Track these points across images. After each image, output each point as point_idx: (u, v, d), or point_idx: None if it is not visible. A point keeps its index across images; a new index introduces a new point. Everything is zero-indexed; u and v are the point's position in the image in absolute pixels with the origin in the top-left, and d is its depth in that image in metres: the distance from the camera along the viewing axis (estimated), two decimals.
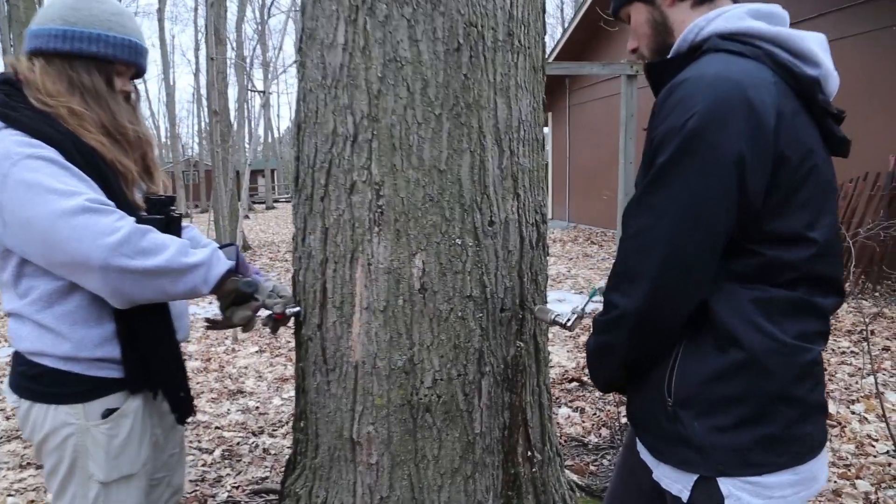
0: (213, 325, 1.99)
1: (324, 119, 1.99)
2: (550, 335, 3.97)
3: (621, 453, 1.81)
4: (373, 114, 1.89)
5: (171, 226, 1.88)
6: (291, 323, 2.17)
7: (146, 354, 1.79)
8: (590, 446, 4.06)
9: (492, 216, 1.97)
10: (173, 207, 1.92)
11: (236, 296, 1.87)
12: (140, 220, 1.70)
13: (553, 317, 1.95)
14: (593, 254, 11.20)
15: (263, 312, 2.04)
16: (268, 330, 2.09)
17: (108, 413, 1.76)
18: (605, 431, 4.27)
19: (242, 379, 5.98)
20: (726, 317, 1.29)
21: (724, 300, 1.30)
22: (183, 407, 1.90)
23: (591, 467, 3.75)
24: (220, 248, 1.91)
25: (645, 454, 1.50)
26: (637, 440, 1.53)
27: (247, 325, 1.93)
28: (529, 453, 2.17)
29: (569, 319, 1.92)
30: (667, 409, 1.37)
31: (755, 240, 1.28)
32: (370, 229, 1.93)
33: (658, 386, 1.39)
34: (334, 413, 2.06)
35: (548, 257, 2.22)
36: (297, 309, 2.13)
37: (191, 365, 6.48)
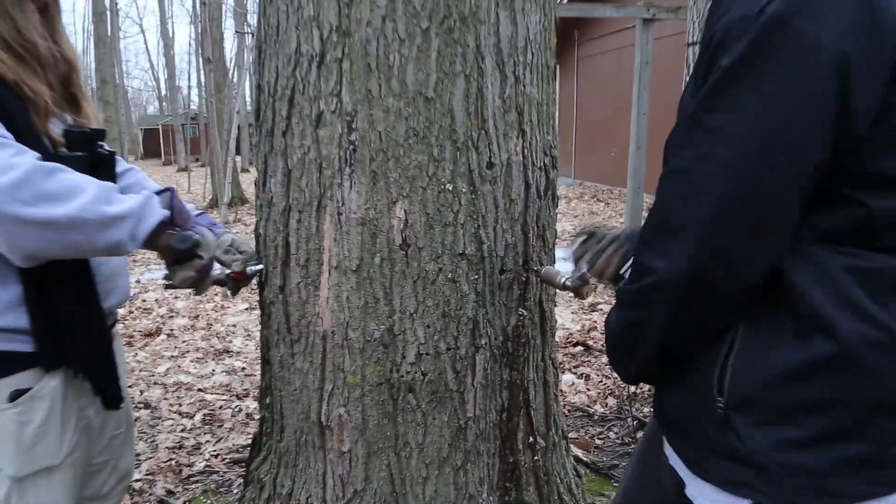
0: (168, 282, 1.64)
1: (286, 36, 1.61)
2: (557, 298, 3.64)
3: (639, 449, 1.47)
4: (343, 26, 1.51)
5: (101, 167, 1.52)
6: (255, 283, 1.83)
7: (62, 324, 1.45)
8: (595, 417, 3.77)
9: (491, 157, 1.61)
10: (101, 143, 1.56)
11: (175, 253, 1.51)
12: (52, 158, 1.34)
13: (564, 280, 1.60)
14: (599, 212, 10.84)
15: (218, 269, 1.69)
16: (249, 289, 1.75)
17: (16, 395, 1.43)
18: (611, 401, 3.97)
19: (230, 338, 5.70)
20: (811, 292, 0.93)
21: (808, 268, 0.95)
22: (109, 388, 1.56)
23: (597, 441, 3.46)
24: (157, 193, 1.55)
25: (677, 463, 1.17)
26: (666, 443, 1.20)
27: (196, 287, 1.58)
28: (531, 439, 1.85)
29: (579, 282, 1.57)
30: (715, 413, 1.03)
31: (856, 183, 0.92)
32: (340, 171, 1.57)
33: (704, 381, 1.05)
34: (300, 391, 1.73)
35: (556, 209, 1.86)
36: (260, 267, 1.78)
37: (178, 322, 6.21)
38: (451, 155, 1.56)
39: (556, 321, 1.95)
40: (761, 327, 1.00)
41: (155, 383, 4.85)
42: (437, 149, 1.55)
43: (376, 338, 1.61)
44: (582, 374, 4.44)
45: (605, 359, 4.80)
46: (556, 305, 1.94)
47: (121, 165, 1.73)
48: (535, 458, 1.87)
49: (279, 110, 1.65)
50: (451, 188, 1.57)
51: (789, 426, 0.97)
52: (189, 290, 1.64)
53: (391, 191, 1.55)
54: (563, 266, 1.68)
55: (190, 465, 3.54)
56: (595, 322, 5.51)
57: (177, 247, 1.49)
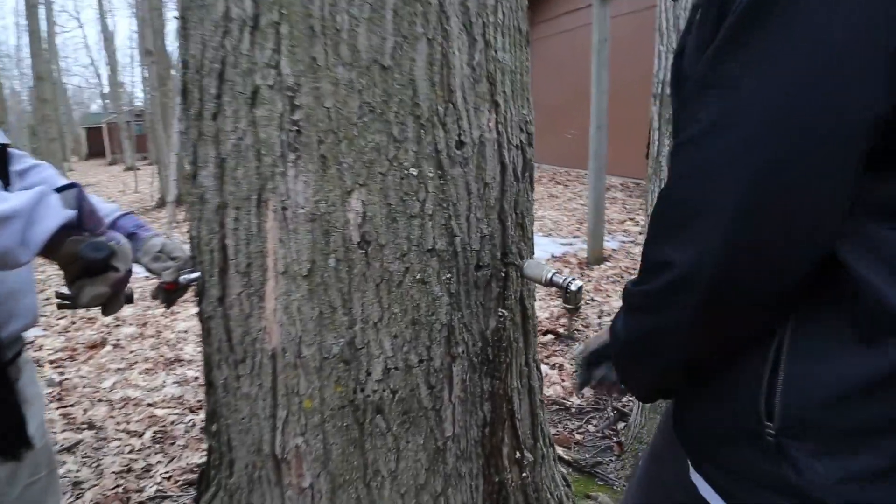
0: (64, 302, 1.35)
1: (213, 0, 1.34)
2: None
3: (644, 465, 1.27)
4: None
5: None
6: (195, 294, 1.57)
7: None
8: (572, 410, 3.59)
9: (460, 134, 1.37)
10: None
11: (84, 264, 1.23)
12: None
13: (550, 275, 1.39)
14: (559, 194, 10.72)
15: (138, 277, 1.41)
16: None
17: None
18: (588, 391, 3.80)
19: (181, 345, 5.35)
20: (876, 283, 0.73)
21: (870, 252, 0.74)
22: (9, 436, 1.28)
23: (577, 436, 3.28)
24: (58, 190, 1.27)
25: (706, 490, 0.96)
26: (690, 466, 0.99)
27: (106, 307, 1.30)
28: (518, 454, 1.64)
29: (571, 281, 1.36)
30: (762, 438, 0.82)
31: None
32: (283, 157, 1.31)
33: (743, 398, 0.84)
34: (249, 420, 1.48)
35: (533, 190, 1.64)
36: (196, 275, 1.52)
37: (125, 331, 5.82)
38: (415, 134, 1.32)
39: (537, 319, 1.73)
40: (814, 331, 0.79)
41: (100, 400, 4.48)
42: (397, 127, 1.30)
43: (335, 354, 1.37)
44: (555, 365, 4.25)
45: (578, 346, 4.64)
46: (535, 301, 1.72)
47: (22, 162, 1.44)
48: (523, 474, 1.65)
49: (207, 88, 1.38)
50: (415, 173, 1.33)
51: (859, 454, 0.77)
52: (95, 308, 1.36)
53: (345, 179, 1.30)
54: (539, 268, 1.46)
55: (140, 491, 3.24)
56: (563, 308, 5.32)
57: (87, 256, 1.21)
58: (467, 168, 1.39)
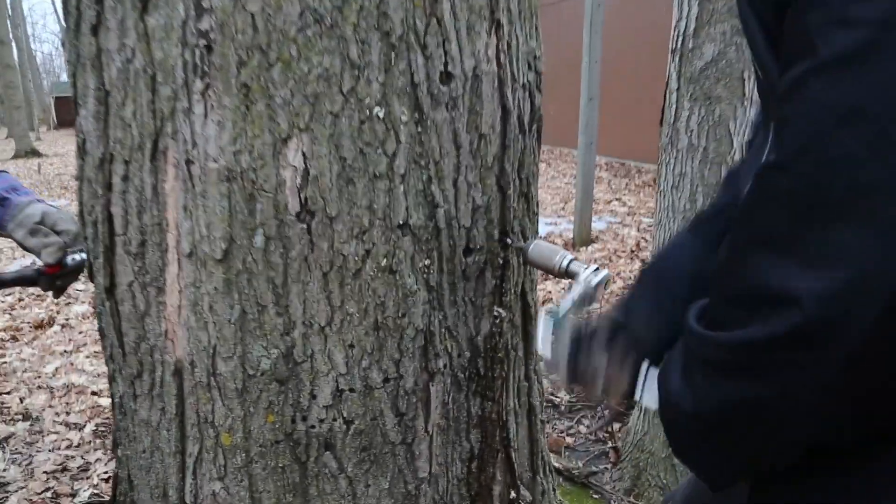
0: None
1: None
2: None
3: None
4: None
5: None
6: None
7: None
8: (562, 408, 3.23)
9: (448, 63, 0.97)
10: None
11: None
12: None
13: (566, 262, 1.00)
14: (542, 172, 10.35)
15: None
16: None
17: None
18: (577, 387, 3.44)
19: None
20: None
21: None
22: None
23: (567, 438, 2.93)
24: None
25: None
26: None
27: None
28: (512, 493, 1.26)
29: (594, 271, 0.98)
30: None
31: None
32: (187, 87, 0.90)
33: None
34: (150, 454, 1.08)
35: (540, 150, 1.25)
36: (83, 256, 1.11)
37: (76, 309, 5.34)
38: (382, 58, 0.91)
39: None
40: None
41: (39, 387, 4.01)
42: (356, 46, 0.89)
43: (265, 370, 0.97)
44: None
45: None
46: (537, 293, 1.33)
47: None
48: None
49: None
50: (381, 115, 0.92)
51: None
52: None
53: (278, 120, 0.89)
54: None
55: (72, 495, 2.81)
56: (549, 291, 4.97)
57: None
58: (456, 111, 0.99)
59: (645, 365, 0.78)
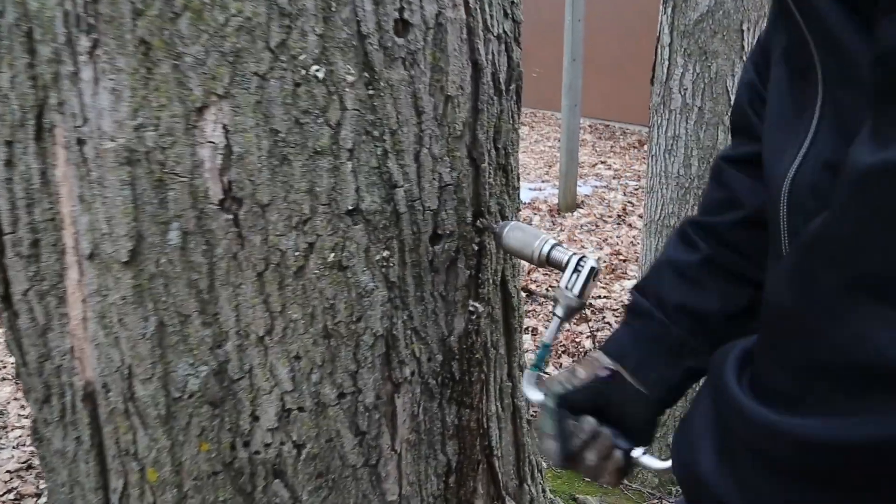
0: None
1: None
2: None
3: None
4: None
5: None
6: None
7: None
8: (538, 353, 3.10)
9: (403, 8, 0.78)
10: None
11: None
12: None
13: (548, 248, 0.85)
14: (525, 135, 10.12)
15: None
16: None
17: None
18: (565, 360, 3.32)
19: None
20: None
21: None
22: None
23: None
24: None
25: None
26: None
27: None
28: None
29: (583, 259, 0.82)
30: None
31: None
32: (71, 46, 0.71)
33: None
34: (70, 489, 0.91)
35: (520, 115, 1.06)
36: None
37: None
38: (320, 3, 0.72)
39: (524, 307, 1.18)
40: None
41: (4, 378, 3.85)
42: None
43: (193, 391, 0.80)
44: (527, 328, 3.74)
45: (550, 306, 4.17)
46: (519, 276, 1.16)
47: None
48: None
49: None
50: (321, 75, 0.74)
51: None
52: None
53: (189, 85, 0.71)
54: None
55: (38, 495, 2.66)
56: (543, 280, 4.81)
57: None
58: (415, 69, 0.80)
59: (638, 452, 0.68)
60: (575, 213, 5.19)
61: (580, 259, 0.80)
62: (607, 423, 0.67)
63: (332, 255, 0.79)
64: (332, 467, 0.89)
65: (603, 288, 3.82)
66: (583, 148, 7.68)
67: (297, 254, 0.78)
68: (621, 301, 3.58)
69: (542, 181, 6.46)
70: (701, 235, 0.68)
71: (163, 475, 0.83)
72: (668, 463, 0.68)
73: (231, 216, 0.76)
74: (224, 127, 0.73)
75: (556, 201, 5.41)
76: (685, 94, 1.94)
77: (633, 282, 3.85)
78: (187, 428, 0.82)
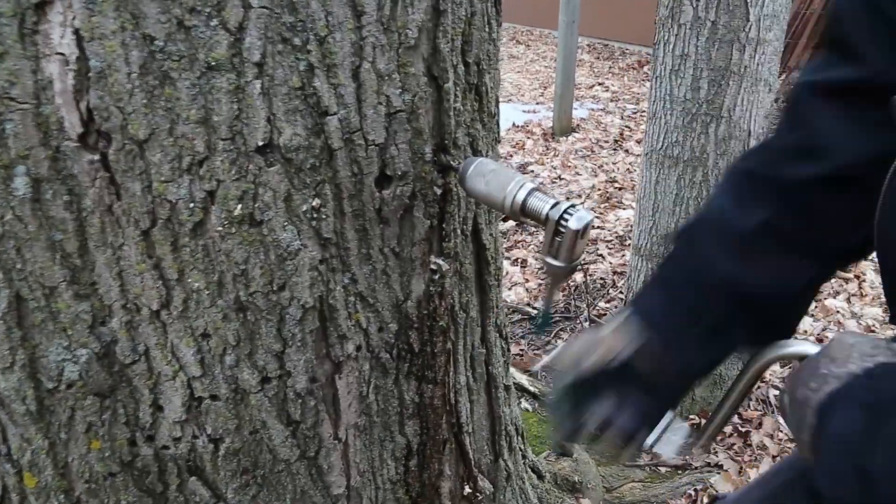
0: None
1: None
2: None
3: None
4: None
5: None
6: None
7: None
8: (538, 321, 2.97)
9: None
10: None
11: None
12: None
13: (525, 194, 0.66)
14: (520, 55, 9.68)
15: None
16: None
17: None
18: (557, 294, 3.17)
19: None
20: None
21: None
22: None
23: (544, 356, 2.68)
24: None
25: None
26: None
27: None
28: (467, 487, 0.97)
29: (570, 210, 0.62)
30: None
31: None
32: None
33: None
34: None
35: (500, 23, 0.85)
36: None
37: None
38: None
39: (503, 261, 1.00)
40: None
41: None
42: None
43: (72, 380, 0.63)
44: (517, 260, 3.58)
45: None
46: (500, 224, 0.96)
47: None
48: None
49: None
50: None
51: None
52: None
53: None
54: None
55: None
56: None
57: None
58: None
59: (668, 417, 0.57)
60: (570, 138, 4.95)
61: (564, 211, 0.61)
62: (628, 392, 0.54)
63: (240, 206, 0.60)
64: (261, 462, 0.73)
65: (597, 217, 3.63)
66: (580, 68, 7.33)
67: (191, 206, 0.58)
68: (615, 232, 3.41)
69: (537, 103, 6.17)
70: (762, 192, 0.50)
71: (44, 479, 0.67)
72: (685, 455, 0.58)
73: (97, 156, 0.56)
74: (75, 32, 0.52)
75: (550, 124, 5.15)
76: (697, 5, 1.69)
77: (628, 212, 3.66)
78: (70, 424, 0.65)
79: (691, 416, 2.01)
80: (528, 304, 3.09)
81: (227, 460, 0.71)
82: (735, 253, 0.50)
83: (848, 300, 2.61)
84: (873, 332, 2.44)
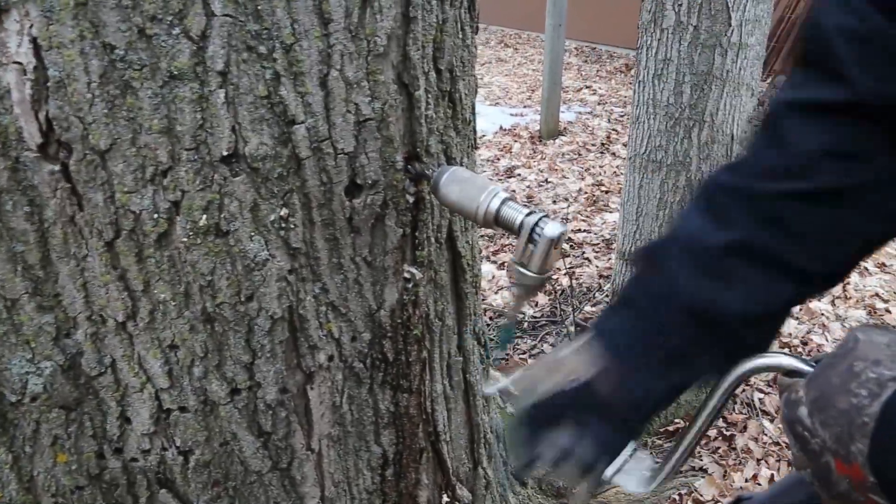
0: None
1: None
2: None
3: None
4: None
5: None
6: None
7: None
8: (524, 324, 2.97)
9: None
10: None
11: None
12: None
13: (498, 203, 0.65)
14: (508, 58, 9.71)
15: None
16: None
17: None
18: (542, 299, 3.18)
19: None
20: None
21: None
22: None
23: (529, 360, 2.68)
24: None
25: None
26: None
27: None
28: (447, 496, 0.96)
29: (542, 220, 0.62)
30: None
31: None
32: None
33: None
34: None
35: (477, 25, 0.84)
36: None
37: None
38: None
39: (480, 264, 1.00)
40: None
41: None
42: None
43: (36, 393, 0.62)
44: (503, 264, 3.58)
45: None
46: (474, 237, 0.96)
47: None
48: None
49: None
50: None
51: None
52: None
53: None
54: None
55: None
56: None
57: None
58: None
59: (630, 447, 0.54)
60: (557, 141, 4.96)
61: (537, 221, 0.61)
62: (587, 420, 0.52)
63: (205, 216, 0.59)
64: (232, 474, 0.72)
65: (583, 221, 3.64)
66: (567, 72, 7.36)
67: (156, 216, 0.58)
68: (602, 235, 3.42)
69: (525, 106, 6.18)
70: (737, 209, 0.48)
71: (8, 494, 0.66)
72: (648, 487, 0.55)
73: (58, 167, 0.55)
74: (33, 39, 0.51)
75: (537, 128, 5.16)
76: (679, 10, 1.70)
77: (615, 215, 3.67)
78: (35, 437, 0.64)
79: (676, 420, 2.01)
80: (506, 307, 3.08)
81: (197, 472, 0.70)
82: (706, 272, 0.48)
83: (832, 303, 2.62)
84: None
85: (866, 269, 2.85)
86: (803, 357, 0.48)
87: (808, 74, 0.47)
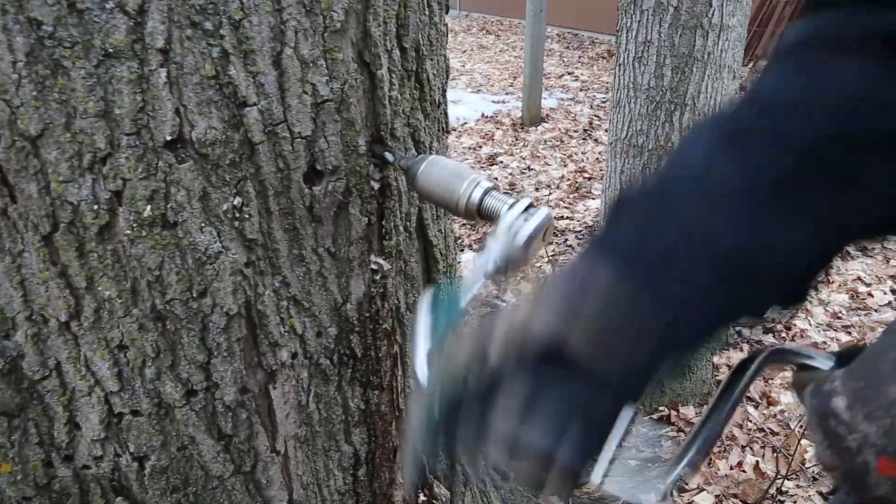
0: None
1: None
2: None
3: None
4: None
5: None
6: None
7: None
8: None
9: None
10: None
11: None
12: None
13: (480, 193, 0.61)
14: (489, 45, 9.65)
15: None
16: None
17: None
18: (525, 287, 3.15)
19: None
20: None
21: None
22: None
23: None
24: None
25: None
26: None
27: None
28: (423, 494, 0.93)
29: (527, 210, 0.58)
30: None
31: None
32: None
33: None
34: None
35: (447, 3, 0.80)
36: None
37: None
38: None
39: (456, 253, 0.96)
40: None
41: None
42: None
43: None
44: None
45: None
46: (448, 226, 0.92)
47: None
48: None
49: None
50: None
51: None
52: None
53: None
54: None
55: None
56: (495, 173, 4.58)
57: None
58: None
59: (627, 413, 0.38)
60: (539, 128, 4.93)
61: (524, 210, 0.57)
62: (554, 382, 0.37)
63: (150, 206, 0.55)
64: (192, 479, 0.68)
65: (566, 208, 3.62)
66: (549, 58, 7.32)
67: (96, 207, 0.53)
68: (584, 222, 3.39)
69: (507, 93, 6.14)
70: (767, 148, 0.39)
71: None
72: (660, 496, 0.42)
73: None
74: None
75: (519, 115, 5.12)
76: None
77: (597, 202, 3.64)
78: None
79: (660, 408, 2.00)
80: (497, 297, 3.06)
81: (154, 479, 0.66)
82: (736, 216, 0.39)
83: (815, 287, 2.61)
84: (840, 318, 2.46)
85: (848, 252, 2.85)
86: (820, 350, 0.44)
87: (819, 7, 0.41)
